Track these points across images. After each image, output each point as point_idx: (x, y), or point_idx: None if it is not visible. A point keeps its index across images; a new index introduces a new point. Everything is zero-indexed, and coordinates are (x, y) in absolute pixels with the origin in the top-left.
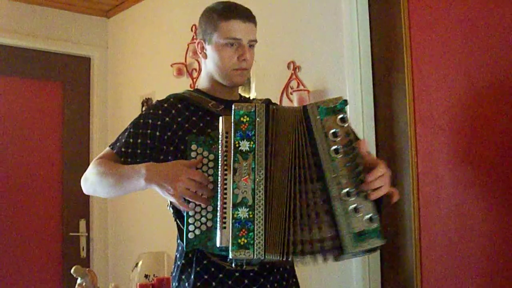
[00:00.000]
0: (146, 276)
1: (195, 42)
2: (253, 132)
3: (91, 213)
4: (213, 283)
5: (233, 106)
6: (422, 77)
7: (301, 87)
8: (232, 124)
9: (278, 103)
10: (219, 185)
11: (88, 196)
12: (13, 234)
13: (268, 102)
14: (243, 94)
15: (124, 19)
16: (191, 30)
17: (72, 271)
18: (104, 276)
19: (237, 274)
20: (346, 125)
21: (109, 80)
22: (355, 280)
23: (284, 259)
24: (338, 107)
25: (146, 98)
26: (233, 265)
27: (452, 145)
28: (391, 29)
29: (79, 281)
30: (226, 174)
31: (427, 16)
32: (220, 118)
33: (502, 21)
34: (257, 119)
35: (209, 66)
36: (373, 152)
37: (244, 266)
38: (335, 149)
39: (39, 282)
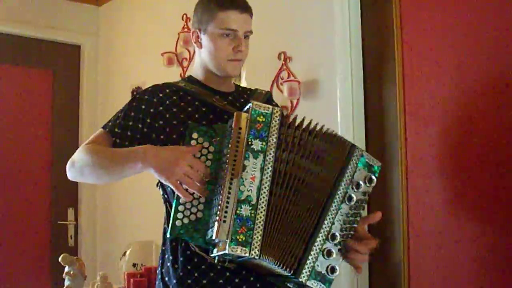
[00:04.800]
0: (134, 265)
1: (186, 31)
2: (266, 133)
3: (80, 202)
4: (196, 274)
5: (251, 104)
6: (413, 69)
7: (292, 78)
8: (248, 121)
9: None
10: (226, 179)
11: (77, 184)
12: (1, 222)
13: (270, 95)
14: (238, 85)
15: (115, 7)
16: (182, 19)
17: (60, 259)
18: (92, 265)
19: (219, 266)
20: (370, 186)
21: (99, 69)
22: (343, 272)
23: (277, 265)
24: (375, 168)
25: (136, 87)
26: (215, 260)
27: (441, 137)
28: (382, 20)
29: (67, 269)
30: (233, 170)
31: (418, 8)
32: (235, 113)
33: (495, 14)
34: (273, 121)
35: (203, 56)
36: (363, 143)
37: (226, 263)
38: (350, 196)
39: (27, 270)
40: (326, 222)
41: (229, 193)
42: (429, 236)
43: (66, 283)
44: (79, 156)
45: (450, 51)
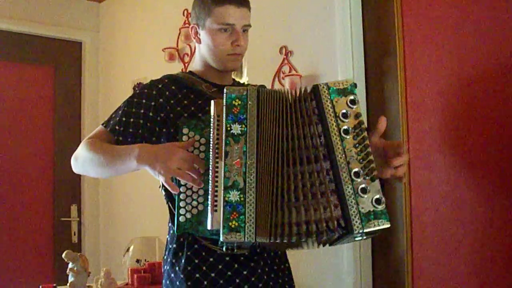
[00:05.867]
0: (137, 261)
1: (187, 27)
2: (244, 116)
3: (83, 198)
4: (204, 267)
5: (224, 90)
6: (414, 62)
7: (293, 72)
8: (224, 107)
9: (270, 87)
10: (210, 168)
11: (80, 181)
12: (5, 219)
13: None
14: (236, 79)
15: (115, 3)
16: (183, 14)
17: (63, 255)
18: (95, 261)
19: (227, 258)
20: (356, 107)
21: (100, 65)
22: (346, 263)
23: (276, 241)
24: (349, 88)
25: (137, 83)
26: (224, 249)
27: (443, 130)
28: (383, 14)
29: (70, 265)
30: (217, 157)
31: (419, 1)
32: (212, 101)
33: (496, 6)
34: (249, 102)
35: (203, 51)
36: None
37: (235, 250)
38: (345, 130)
39: (31, 266)
40: (341, 167)
41: (216, 181)
42: (432, 228)
43: (70, 279)
44: (80, 151)
45: (451, 44)
